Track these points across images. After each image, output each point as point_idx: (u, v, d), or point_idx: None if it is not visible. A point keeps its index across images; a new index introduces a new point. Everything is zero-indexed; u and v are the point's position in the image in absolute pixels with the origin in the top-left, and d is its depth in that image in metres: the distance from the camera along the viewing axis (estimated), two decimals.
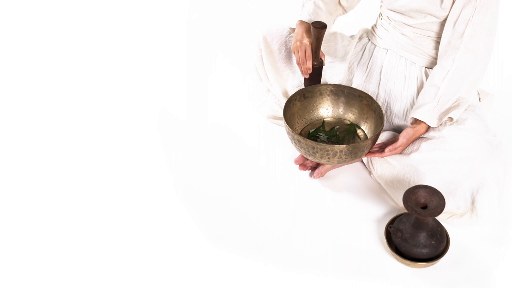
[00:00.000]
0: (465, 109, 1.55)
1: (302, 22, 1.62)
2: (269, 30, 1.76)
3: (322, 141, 1.62)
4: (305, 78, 1.65)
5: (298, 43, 1.58)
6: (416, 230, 1.37)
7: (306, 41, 1.57)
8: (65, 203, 1.60)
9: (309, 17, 1.61)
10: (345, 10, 1.73)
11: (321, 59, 1.61)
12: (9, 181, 1.68)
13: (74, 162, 1.74)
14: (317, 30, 1.53)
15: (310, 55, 1.57)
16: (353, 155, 1.48)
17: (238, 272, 1.41)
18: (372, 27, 1.74)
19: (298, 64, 1.60)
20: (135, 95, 2.03)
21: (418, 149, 1.52)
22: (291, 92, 1.76)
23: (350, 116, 1.69)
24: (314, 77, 1.64)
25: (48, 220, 1.55)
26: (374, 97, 1.69)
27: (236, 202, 1.60)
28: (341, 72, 1.76)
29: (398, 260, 1.41)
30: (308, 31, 1.60)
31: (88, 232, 1.52)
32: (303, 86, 1.73)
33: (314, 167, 1.67)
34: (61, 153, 1.78)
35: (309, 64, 1.58)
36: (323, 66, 1.64)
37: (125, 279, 1.40)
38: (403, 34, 1.61)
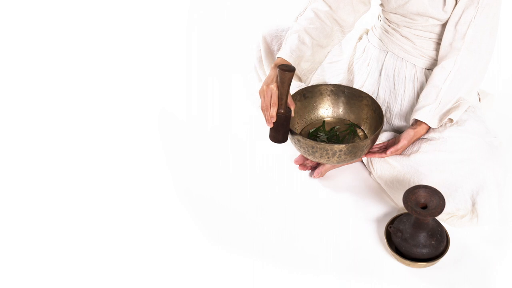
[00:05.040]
0: (466, 110, 1.55)
1: (280, 60, 1.47)
2: (269, 30, 1.76)
3: (322, 141, 1.62)
4: (270, 128, 1.46)
5: (264, 86, 1.42)
6: (416, 230, 1.37)
7: (274, 86, 1.40)
8: (65, 203, 1.60)
9: (290, 54, 1.47)
10: (343, 32, 1.60)
11: (289, 107, 1.44)
12: (9, 182, 1.68)
13: (74, 162, 1.74)
14: (283, 73, 1.34)
15: (276, 101, 1.40)
16: (353, 155, 1.48)
17: (238, 272, 1.41)
18: (372, 29, 1.74)
19: (262, 110, 1.44)
20: (135, 95, 2.03)
21: (418, 150, 1.52)
22: (291, 92, 1.76)
23: (350, 116, 1.69)
24: (279, 126, 1.44)
25: (48, 220, 1.55)
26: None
27: (236, 202, 1.60)
28: (341, 72, 1.75)
29: (398, 260, 1.41)
30: None
31: (88, 233, 1.52)
32: (303, 86, 1.73)
33: (314, 167, 1.67)
34: (61, 153, 1.78)
35: (273, 111, 1.41)
36: (292, 116, 1.47)
37: (125, 279, 1.40)
38: (403, 36, 1.61)
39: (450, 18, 1.49)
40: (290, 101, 1.45)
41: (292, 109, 1.46)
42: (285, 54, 1.48)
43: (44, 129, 1.88)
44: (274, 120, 1.42)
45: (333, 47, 1.64)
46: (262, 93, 1.43)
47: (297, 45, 1.49)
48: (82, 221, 1.55)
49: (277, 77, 1.41)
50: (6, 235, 1.52)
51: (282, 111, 1.42)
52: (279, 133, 1.46)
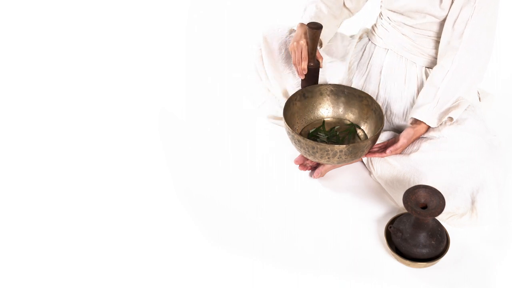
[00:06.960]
0: (465, 109, 1.55)
1: (302, 24, 1.61)
2: (269, 30, 1.76)
3: (322, 141, 1.62)
4: (302, 80, 1.64)
5: (295, 43, 1.57)
6: (416, 230, 1.37)
7: (303, 41, 1.56)
8: (65, 204, 1.60)
9: (310, 20, 1.60)
10: (351, 12, 1.72)
11: (317, 60, 1.60)
12: (9, 182, 1.68)
13: (73, 163, 1.74)
14: (312, 30, 1.51)
15: (306, 55, 1.56)
16: (353, 155, 1.48)
17: (238, 272, 1.41)
18: (372, 27, 1.74)
19: (294, 64, 1.59)
20: (135, 95, 2.03)
21: (418, 149, 1.52)
22: (291, 92, 1.76)
23: (350, 116, 1.69)
24: (310, 78, 1.62)
25: (47, 221, 1.55)
26: (374, 97, 1.69)
27: (236, 202, 1.60)
28: (341, 72, 1.75)
29: (398, 260, 1.41)
30: (306, 33, 1.59)
31: (88, 233, 1.52)
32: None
33: (314, 167, 1.67)
34: (61, 153, 1.78)
35: (305, 64, 1.56)
36: (321, 68, 1.63)
37: (125, 279, 1.40)
38: (403, 34, 1.61)
39: (448, 17, 1.49)
40: (318, 54, 1.60)
41: (321, 61, 1.61)
42: (306, 20, 1.61)
43: (44, 129, 1.88)
44: (305, 72, 1.58)
45: (343, 20, 1.74)
46: (293, 49, 1.57)
47: (316, 13, 1.62)
48: (82, 221, 1.55)
49: (305, 33, 1.57)
50: (6, 235, 1.52)
51: (312, 64, 1.59)
52: (309, 83, 1.64)
